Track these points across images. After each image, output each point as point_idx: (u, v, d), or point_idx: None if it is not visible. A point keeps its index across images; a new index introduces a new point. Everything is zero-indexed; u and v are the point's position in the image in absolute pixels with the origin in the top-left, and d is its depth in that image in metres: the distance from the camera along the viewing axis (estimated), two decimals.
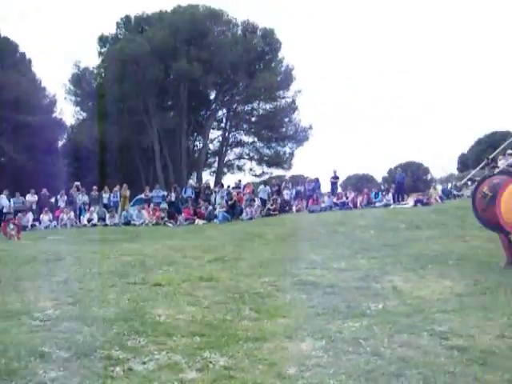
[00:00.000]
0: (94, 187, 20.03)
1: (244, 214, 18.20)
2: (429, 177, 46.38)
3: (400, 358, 3.30)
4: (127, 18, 32.47)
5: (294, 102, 33.95)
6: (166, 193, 20.69)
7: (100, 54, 32.31)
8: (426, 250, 8.73)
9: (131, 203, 20.02)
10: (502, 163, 7.62)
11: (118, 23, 32.51)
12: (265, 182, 27.06)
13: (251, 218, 17.78)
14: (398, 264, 7.31)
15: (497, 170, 7.57)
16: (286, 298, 5.36)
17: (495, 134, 43.24)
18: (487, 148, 34.10)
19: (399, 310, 4.62)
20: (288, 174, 34.60)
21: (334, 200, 19.56)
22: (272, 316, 4.55)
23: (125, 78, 28.74)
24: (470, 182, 20.34)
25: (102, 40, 32.31)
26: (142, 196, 20.39)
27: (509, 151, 7.57)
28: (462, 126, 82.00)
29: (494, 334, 3.78)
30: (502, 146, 7.78)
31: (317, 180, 21.58)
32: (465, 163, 42.47)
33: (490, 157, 7.88)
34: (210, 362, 3.36)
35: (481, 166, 8.35)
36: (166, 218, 18.11)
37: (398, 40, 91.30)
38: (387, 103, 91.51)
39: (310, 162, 76.23)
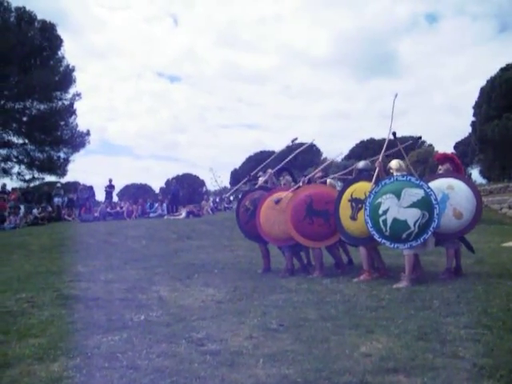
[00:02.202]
0: None
1: (7, 223, 16.52)
2: (204, 189, 48.65)
3: (156, 369, 3.30)
4: None
5: (72, 105, 31.97)
6: None
7: None
8: (194, 260, 9.11)
9: None
10: (261, 180, 8.40)
11: None
12: None
13: (15, 227, 16.26)
14: (166, 274, 7.46)
15: (257, 186, 8.34)
16: (42, 314, 4.94)
17: (264, 152, 48.63)
18: (256, 165, 37.56)
19: (161, 319, 4.66)
20: (61, 180, 32.32)
21: (108, 209, 19.07)
22: (22, 337, 4.12)
23: None
24: (232, 197, 22.04)
25: None
26: None
27: (269, 170, 8.41)
28: (236, 143, 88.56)
29: (244, 335, 4.08)
30: (263, 165, 8.59)
31: (91, 188, 20.79)
32: (236, 178, 45.93)
33: (252, 174, 8.65)
34: None
35: (243, 181, 9.09)
36: None
37: None
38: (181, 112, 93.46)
39: (85, 168, 73.04)
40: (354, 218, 6.74)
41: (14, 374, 3.29)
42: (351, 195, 6.82)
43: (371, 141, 50.71)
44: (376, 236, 6.36)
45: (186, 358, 3.54)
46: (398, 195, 6.21)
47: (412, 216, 6.12)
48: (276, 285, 6.41)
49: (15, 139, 31.54)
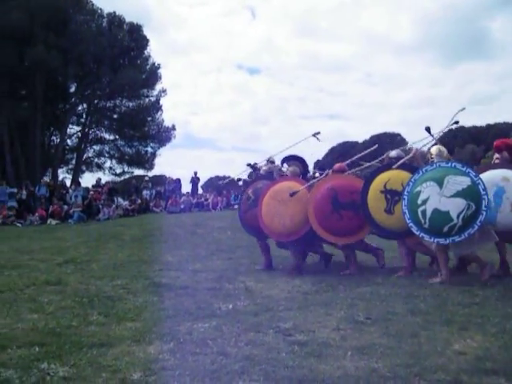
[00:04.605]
0: None
1: (101, 214, 17.57)
2: None
3: (245, 356, 3.39)
4: None
5: (158, 101, 33.44)
6: (15, 190, 19.29)
7: None
8: (279, 251, 9.11)
9: None
10: (263, 169, 8.05)
11: None
12: None
13: (108, 218, 17.26)
14: (252, 265, 7.57)
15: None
16: (137, 300, 5.23)
17: (346, 143, 48.99)
18: (339, 156, 37.70)
19: (248, 309, 4.76)
20: (149, 173, 33.94)
21: (194, 201, 19.68)
22: (121, 320, 4.40)
23: None
24: None
25: None
26: None
27: (271, 159, 8.06)
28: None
29: (331, 327, 4.07)
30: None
31: (178, 180, 21.54)
32: (320, 168, 45.76)
33: (252, 163, 8.22)
34: (48, 374, 3.11)
35: (243, 171, 8.67)
36: (13, 218, 16.90)
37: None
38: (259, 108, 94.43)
39: (171, 162, 75.88)
40: (390, 211, 6.20)
41: (117, 352, 3.53)
42: (385, 186, 6.25)
43: (460, 129, 48.09)
44: (414, 229, 5.75)
45: (274, 347, 3.59)
46: (441, 183, 5.57)
47: (456, 207, 5.47)
48: (362, 277, 6.30)
49: (107, 135, 33.77)
